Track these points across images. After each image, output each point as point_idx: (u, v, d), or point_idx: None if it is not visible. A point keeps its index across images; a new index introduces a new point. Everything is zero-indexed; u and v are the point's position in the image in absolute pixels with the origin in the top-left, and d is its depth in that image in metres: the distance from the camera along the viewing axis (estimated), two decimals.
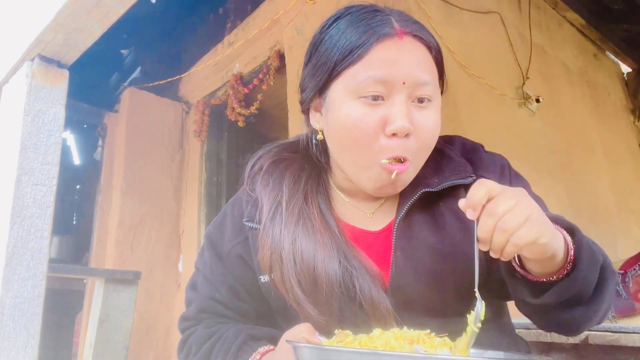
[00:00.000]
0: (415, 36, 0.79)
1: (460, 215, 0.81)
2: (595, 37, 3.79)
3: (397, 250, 0.82)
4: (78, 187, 4.56)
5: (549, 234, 0.65)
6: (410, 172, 0.81)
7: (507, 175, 0.90)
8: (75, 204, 4.53)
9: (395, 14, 0.81)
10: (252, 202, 0.90)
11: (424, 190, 0.84)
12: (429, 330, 0.68)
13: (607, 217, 3.11)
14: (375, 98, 0.76)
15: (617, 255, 2.88)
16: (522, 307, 0.81)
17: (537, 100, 2.77)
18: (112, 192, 3.50)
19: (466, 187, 0.83)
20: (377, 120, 0.76)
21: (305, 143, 0.94)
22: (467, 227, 0.80)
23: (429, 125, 0.79)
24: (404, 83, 0.76)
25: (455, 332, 0.72)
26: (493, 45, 2.69)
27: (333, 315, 0.79)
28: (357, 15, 0.80)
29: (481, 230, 0.64)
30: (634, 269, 1.97)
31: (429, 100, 0.79)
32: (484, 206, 0.65)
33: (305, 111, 0.90)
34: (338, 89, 0.79)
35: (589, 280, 0.70)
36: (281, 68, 2.78)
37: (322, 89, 0.83)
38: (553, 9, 3.41)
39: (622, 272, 2.01)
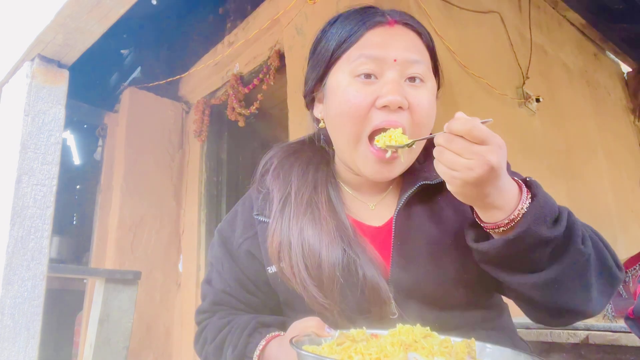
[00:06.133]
0: (405, 24, 0.85)
1: (458, 208, 0.85)
2: (595, 36, 3.79)
3: (397, 240, 0.84)
4: (78, 187, 4.56)
5: (495, 192, 0.66)
6: (405, 153, 0.81)
7: None
8: (75, 204, 4.52)
9: (389, 9, 0.88)
10: (263, 197, 0.93)
11: (422, 182, 0.86)
12: (428, 328, 0.68)
13: (607, 216, 3.11)
14: (368, 76, 0.81)
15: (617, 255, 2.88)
16: (508, 292, 0.81)
17: (537, 100, 2.77)
18: (112, 192, 3.50)
19: None
20: (369, 96, 0.80)
21: (311, 138, 0.99)
22: (465, 219, 0.81)
23: (424, 103, 0.81)
24: (395, 60, 0.80)
25: (456, 328, 0.72)
26: (493, 45, 2.69)
27: (335, 300, 0.81)
28: (352, 12, 0.88)
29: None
30: (635, 269, 1.97)
31: (421, 80, 0.82)
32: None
33: (310, 104, 0.96)
34: (336, 74, 0.85)
35: (532, 244, 0.68)
36: (281, 68, 2.78)
37: (322, 77, 0.88)
38: (553, 8, 3.41)
39: None
